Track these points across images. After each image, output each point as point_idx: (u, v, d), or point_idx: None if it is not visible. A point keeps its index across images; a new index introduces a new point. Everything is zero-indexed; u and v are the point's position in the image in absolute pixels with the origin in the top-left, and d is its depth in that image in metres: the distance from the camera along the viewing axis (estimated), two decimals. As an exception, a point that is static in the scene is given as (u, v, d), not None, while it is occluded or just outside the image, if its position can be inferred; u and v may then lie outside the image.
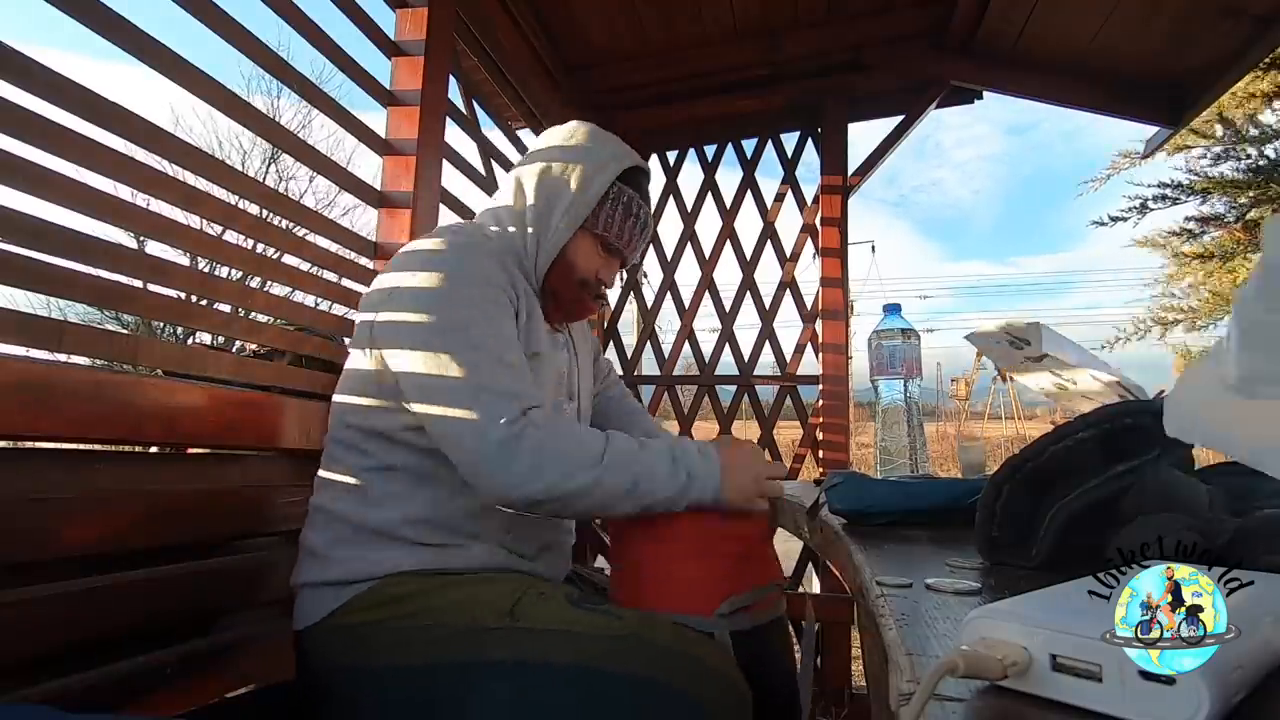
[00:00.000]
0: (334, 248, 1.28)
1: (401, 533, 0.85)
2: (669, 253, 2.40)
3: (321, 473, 0.92)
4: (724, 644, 0.78)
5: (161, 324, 7.12)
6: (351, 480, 0.88)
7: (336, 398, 0.94)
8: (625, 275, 2.49)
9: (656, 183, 2.43)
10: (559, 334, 1.06)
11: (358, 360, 0.92)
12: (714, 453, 0.89)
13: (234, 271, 5.64)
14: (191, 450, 1.13)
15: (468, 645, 0.74)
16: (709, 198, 2.40)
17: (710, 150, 2.41)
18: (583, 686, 0.69)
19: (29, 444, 0.84)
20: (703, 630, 0.79)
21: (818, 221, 2.24)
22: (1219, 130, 4.44)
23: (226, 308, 1.15)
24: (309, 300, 1.36)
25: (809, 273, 2.31)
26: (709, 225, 2.42)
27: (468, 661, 0.74)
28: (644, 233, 1.06)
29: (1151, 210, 4.91)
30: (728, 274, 2.39)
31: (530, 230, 0.99)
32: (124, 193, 0.99)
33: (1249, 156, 4.49)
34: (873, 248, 22.88)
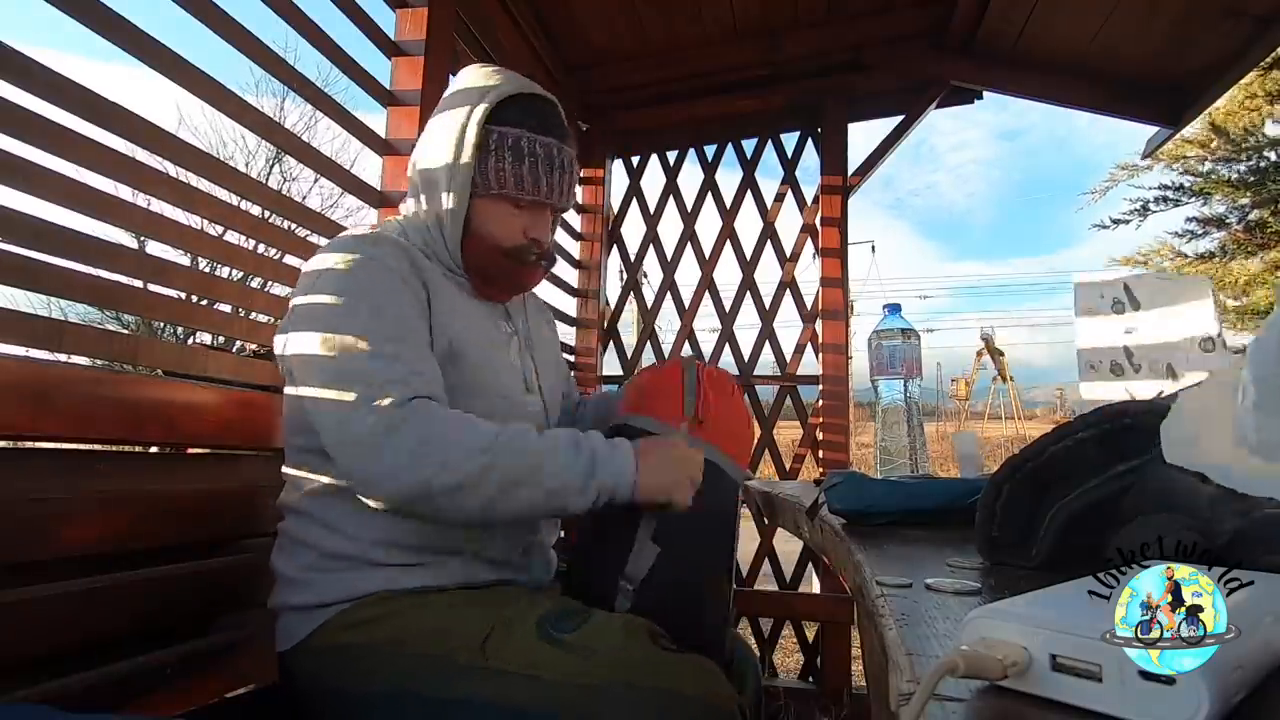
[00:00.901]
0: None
1: (370, 555, 0.81)
2: (669, 253, 2.40)
3: (283, 498, 0.88)
4: (707, 668, 0.73)
5: (161, 324, 7.12)
6: (310, 505, 0.84)
7: (285, 423, 0.89)
8: (625, 275, 2.49)
9: (657, 183, 2.43)
10: (504, 325, 0.96)
11: (290, 386, 0.86)
12: (626, 445, 0.81)
13: (234, 271, 5.64)
14: (191, 450, 1.13)
15: (438, 679, 0.72)
16: (709, 198, 2.40)
17: (710, 150, 2.41)
18: None
19: (29, 444, 0.84)
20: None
21: (818, 221, 2.25)
22: (1214, 142, 4.45)
23: (226, 308, 1.15)
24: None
25: (809, 273, 2.31)
26: (709, 225, 2.42)
27: (438, 697, 0.72)
28: (554, 169, 0.88)
29: (1153, 212, 4.92)
30: (728, 274, 2.39)
31: (425, 210, 0.90)
32: (124, 193, 1.00)
33: (1249, 159, 4.49)
34: (873, 248, 22.89)
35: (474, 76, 0.91)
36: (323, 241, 1.28)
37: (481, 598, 0.81)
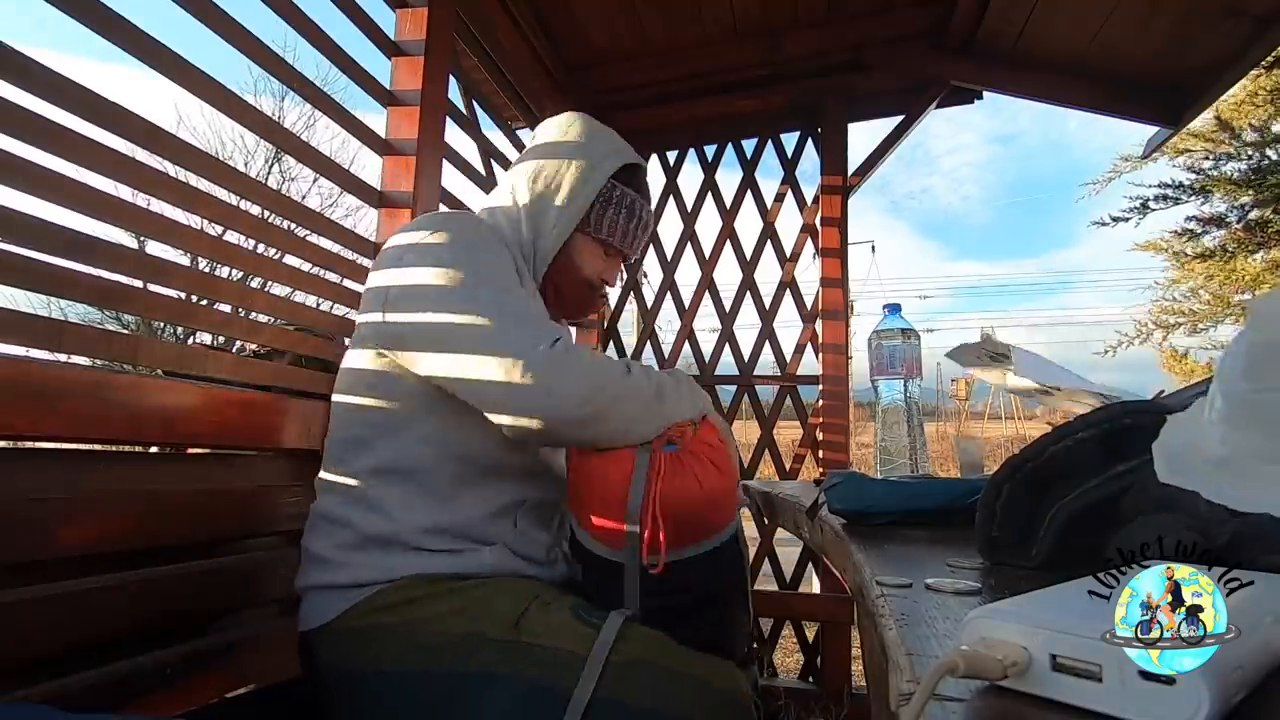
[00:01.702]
0: (334, 248, 1.28)
1: (411, 540, 0.83)
2: (669, 253, 2.40)
3: (324, 475, 0.90)
4: (733, 668, 0.76)
5: (161, 324, 7.12)
6: (355, 485, 0.86)
7: (337, 398, 0.93)
8: (625, 275, 2.49)
9: (656, 183, 2.43)
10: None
11: (361, 360, 0.90)
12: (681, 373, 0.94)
13: (234, 271, 5.64)
14: (191, 450, 1.13)
15: (470, 655, 0.74)
16: (709, 198, 2.40)
17: (710, 150, 2.41)
18: (585, 715, 0.68)
19: (29, 444, 0.84)
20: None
21: (817, 221, 2.25)
22: (1219, 135, 4.45)
23: (226, 308, 1.15)
24: (309, 300, 1.36)
25: (809, 273, 2.31)
26: (709, 225, 2.42)
27: (468, 672, 0.73)
28: (645, 232, 1.05)
29: (1153, 210, 4.92)
30: (728, 274, 2.39)
31: (525, 232, 0.98)
32: (124, 193, 1.00)
33: (1250, 157, 4.49)
34: (873, 248, 22.88)
35: (591, 131, 1.03)
36: (323, 241, 1.28)
37: (514, 585, 0.83)
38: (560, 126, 1.04)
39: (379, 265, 0.91)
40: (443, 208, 1.52)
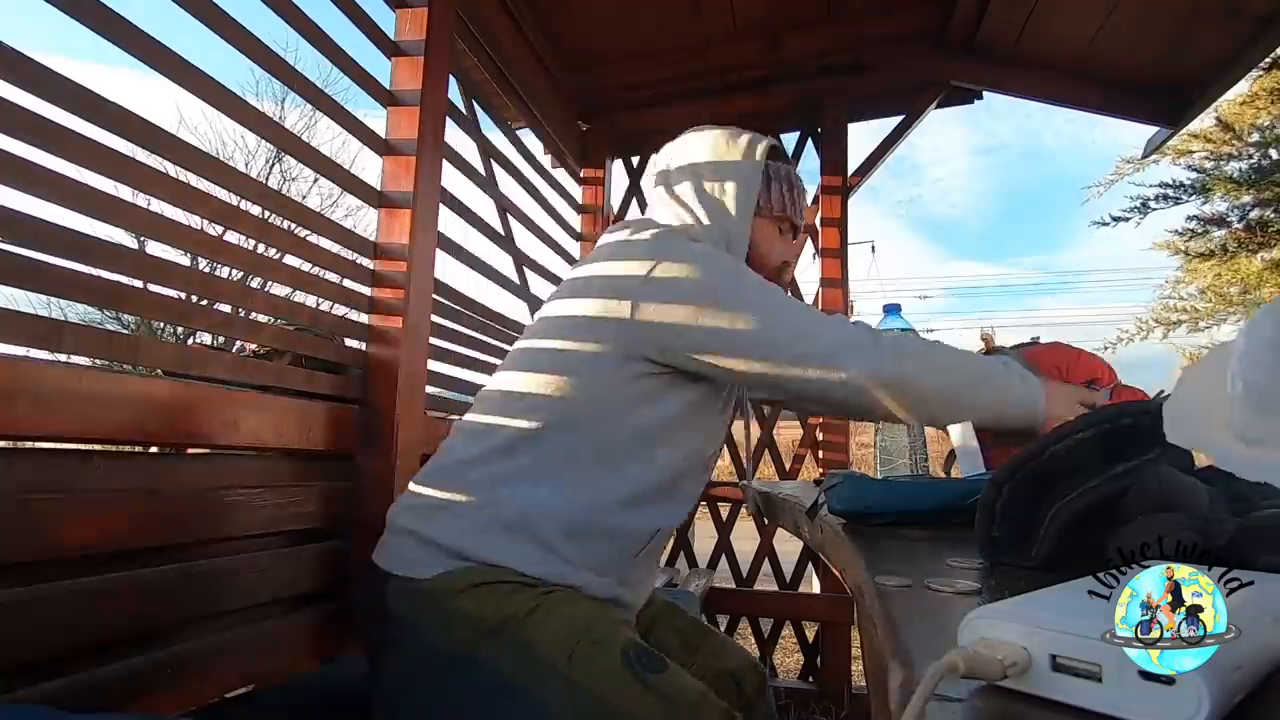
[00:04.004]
0: (335, 248, 1.28)
1: (545, 537, 0.82)
2: (669, 253, 2.40)
3: (486, 451, 0.87)
4: None
5: (161, 324, 7.12)
6: (528, 445, 0.86)
7: (544, 376, 0.88)
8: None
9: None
10: None
11: (602, 350, 0.88)
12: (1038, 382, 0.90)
13: (234, 271, 5.64)
14: (191, 450, 1.13)
15: (521, 668, 0.73)
16: (709, 198, 2.40)
17: (710, 150, 2.41)
18: None
19: (29, 444, 0.84)
20: None
21: (817, 222, 2.24)
22: (1219, 136, 4.44)
23: (226, 308, 1.15)
24: (309, 300, 1.36)
25: (809, 273, 2.31)
26: (709, 225, 2.41)
27: (518, 685, 0.73)
28: (805, 196, 1.10)
29: (1154, 210, 4.91)
30: (728, 274, 2.39)
31: (717, 238, 0.98)
32: (124, 193, 0.99)
33: (1251, 157, 4.49)
34: (872, 248, 22.89)
35: (726, 131, 1.04)
36: (323, 242, 1.28)
37: (579, 605, 0.80)
38: (705, 145, 1.04)
39: (642, 257, 0.90)
40: (443, 208, 1.52)
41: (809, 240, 2.27)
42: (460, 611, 0.77)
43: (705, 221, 0.99)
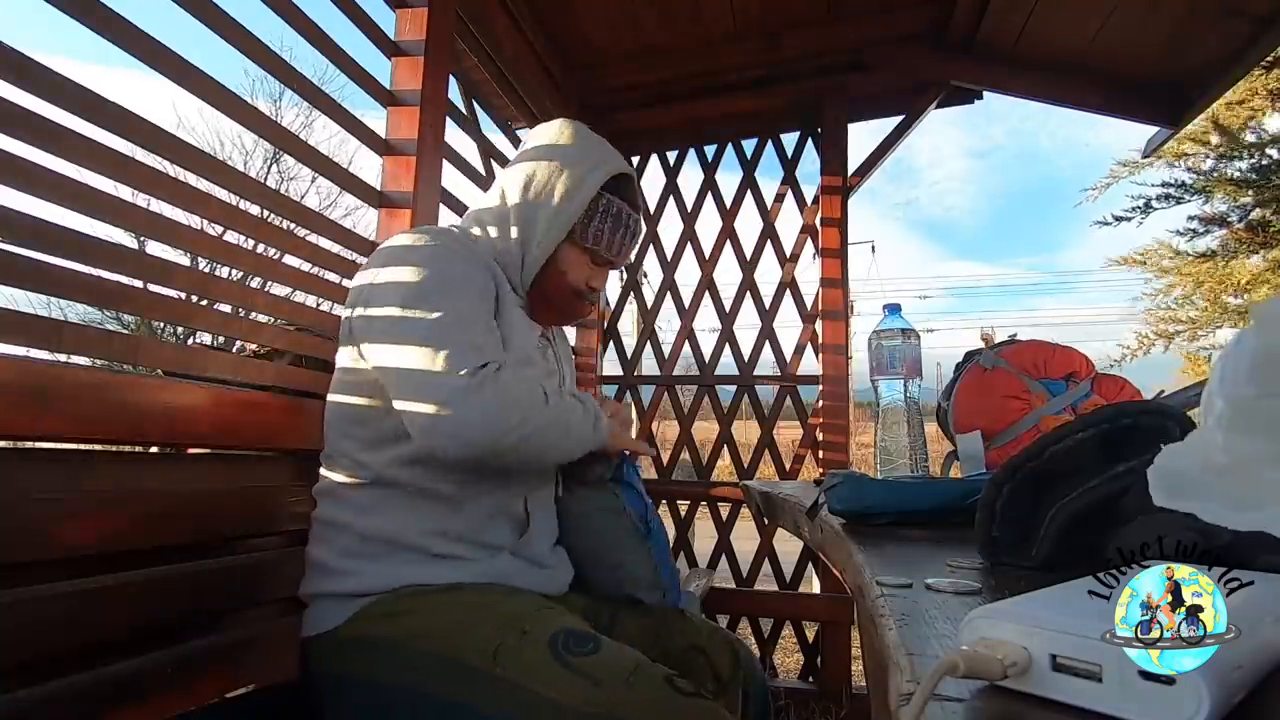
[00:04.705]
0: (334, 248, 1.28)
1: (414, 542, 0.84)
2: (669, 253, 2.40)
3: (326, 475, 0.90)
4: (718, 716, 0.74)
5: (161, 324, 7.12)
6: (349, 488, 0.87)
7: (331, 397, 0.93)
8: (625, 275, 2.49)
9: (656, 183, 2.44)
10: (541, 340, 1.04)
11: (344, 358, 0.91)
12: (595, 404, 0.96)
13: (234, 271, 5.64)
14: (191, 450, 1.13)
15: (449, 680, 0.74)
16: (709, 198, 2.40)
17: (710, 150, 2.42)
18: None
19: (29, 444, 0.84)
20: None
21: (818, 222, 2.25)
22: (1215, 139, 4.45)
23: (227, 308, 1.15)
24: (309, 300, 1.36)
25: (809, 273, 2.31)
26: (709, 225, 2.42)
27: (448, 699, 0.73)
28: (634, 240, 1.05)
29: (1155, 209, 4.91)
30: (728, 274, 2.39)
31: (514, 237, 0.98)
32: (124, 193, 1.00)
33: (1251, 157, 4.49)
34: (872, 248, 22.89)
35: (584, 140, 1.02)
36: (323, 241, 1.28)
37: (504, 603, 0.81)
38: (554, 133, 1.03)
39: (367, 266, 0.92)
40: (443, 208, 1.52)
41: (809, 240, 2.29)
42: (388, 645, 0.78)
43: (512, 206, 0.99)
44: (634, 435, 1.07)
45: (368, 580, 0.82)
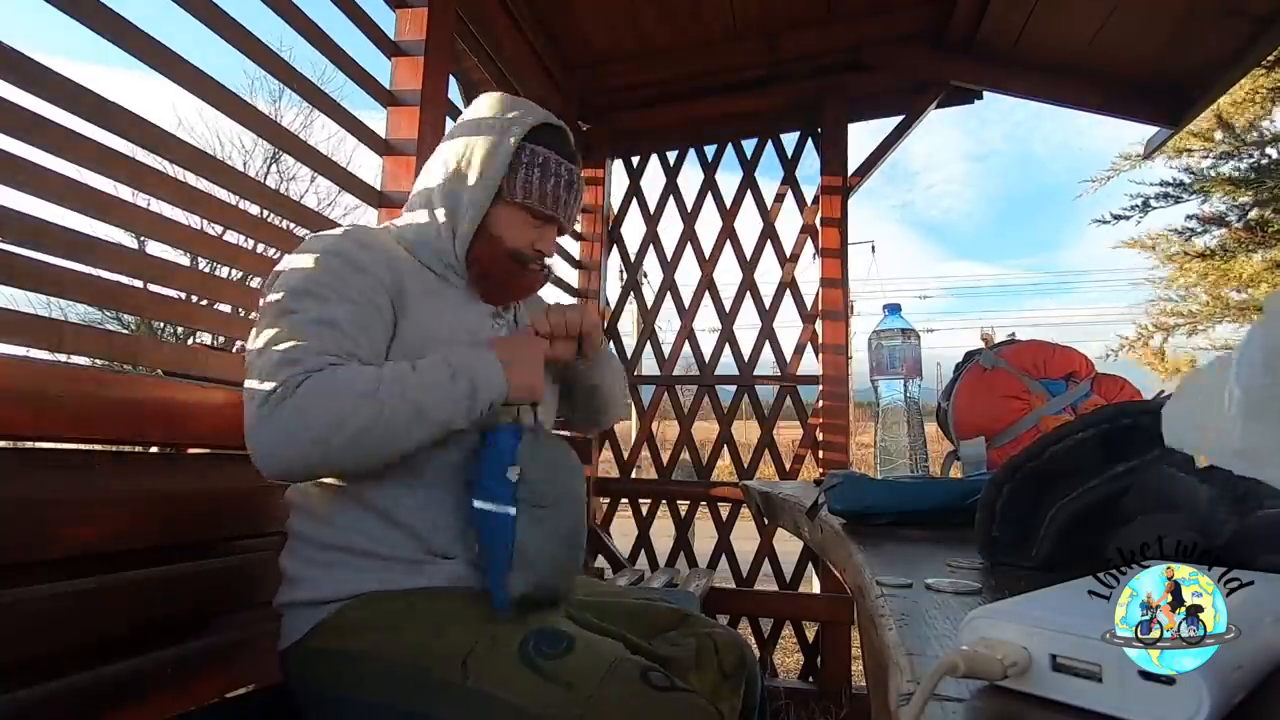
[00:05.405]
0: (334, 248, 1.28)
1: (367, 548, 0.82)
2: (669, 253, 2.40)
3: (287, 494, 0.90)
4: (699, 708, 0.73)
5: (161, 324, 7.12)
6: (306, 498, 0.86)
7: None
8: (625, 275, 2.50)
9: (657, 183, 2.44)
10: (493, 322, 0.98)
11: None
12: (490, 355, 0.85)
13: (234, 271, 5.64)
14: (191, 450, 1.13)
15: (417, 693, 0.73)
16: (709, 198, 2.40)
17: (710, 150, 2.42)
18: None
19: (29, 444, 0.84)
20: None
21: (818, 222, 2.25)
22: (1218, 135, 4.45)
23: (226, 308, 1.15)
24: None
25: (809, 273, 2.31)
26: (709, 225, 2.42)
27: (414, 712, 0.73)
28: (571, 191, 0.97)
29: (1154, 208, 4.92)
30: (728, 274, 2.39)
31: (440, 211, 0.93)
32: (124, 193, 1.00)
33: (1251, 156, 4.49)
34: (872, 248, 22.90)
35: (500, 104, 0.97)
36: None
37: (468, 611, 0.80)
38: (471, 108, 0.99)
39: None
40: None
41: (809, 240, 2.29)
42: (358, 656, 0.77)
43: (437, 184, 0.94)
44: (589, 324, 0.93)
45: (327, 588, 0.80)
